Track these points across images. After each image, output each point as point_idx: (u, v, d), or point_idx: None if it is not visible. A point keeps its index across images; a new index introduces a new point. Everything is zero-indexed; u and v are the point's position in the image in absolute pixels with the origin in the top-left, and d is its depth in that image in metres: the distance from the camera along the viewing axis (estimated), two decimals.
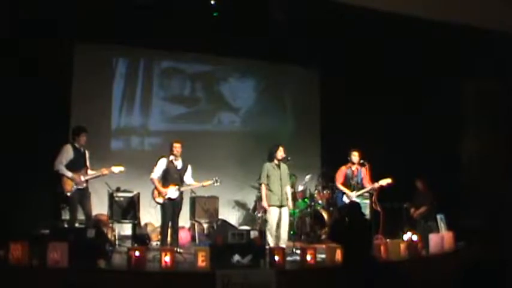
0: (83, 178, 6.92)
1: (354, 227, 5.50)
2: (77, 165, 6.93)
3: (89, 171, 7.06)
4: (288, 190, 7.49)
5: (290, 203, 7.50)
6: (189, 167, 7.36)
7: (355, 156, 7.80)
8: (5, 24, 7.50)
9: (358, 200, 7.71)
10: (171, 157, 7.24)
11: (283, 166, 7.45)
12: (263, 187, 7.36)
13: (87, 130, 7.16)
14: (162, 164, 7.20)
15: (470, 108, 9.70)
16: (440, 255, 7.11)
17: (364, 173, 7.81)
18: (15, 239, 5.68)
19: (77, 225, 6.90)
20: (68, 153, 6.93)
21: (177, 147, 7.24)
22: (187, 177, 7.35)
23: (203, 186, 7.46)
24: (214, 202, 9.02)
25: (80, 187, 6.89)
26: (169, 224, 7.17)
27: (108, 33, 8.72)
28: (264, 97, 10.84)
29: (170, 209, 7.13)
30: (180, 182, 7.22)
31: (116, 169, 7.13)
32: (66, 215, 7.32)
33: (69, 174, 6.84)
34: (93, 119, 8.86)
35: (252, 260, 6.10)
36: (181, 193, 7.27)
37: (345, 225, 5.69)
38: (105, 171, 7.09)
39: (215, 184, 7.46)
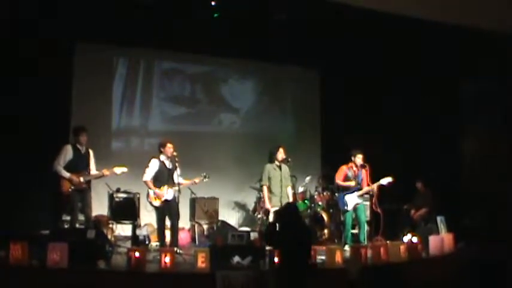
0: (82, 179, 6.87)
1: (286, 231, 5.22)
2: (76, 166, 6.89)
3: (92, 172, 7.00)
4: (289, 191, 7.50)
5: None
6: (177, 167, 7.32)
7: (359, 158, 7.75)
8: (5, 24, 7.50)
9: (360, 201, 7.70)
10: (162, 157, 7.21)
11: (284, 167, 7.45)
12: (264, 188, 7.33)
13: (87, 130, 7.11)
14: (154, 165, 7.16)
15: (470, 108, 9.71)
16: (440, 257, 7.10)
17: (364, 174, 7.79)
18: (15, 240, 5.66)
19: (77, 225, 6.88)
20: (67, 153, 6.89)
21: (171, 147, 7.18)
22: (176, 176, 7.29)
23: (194, 183, 7.44)
24: (214, 203, 9.01)
25: (79, 188, 6.85)
26: (168, 224, 7.17)
27: (108, 33, 8.72)
28: (263, 98, 10.83)
29: (166, 211, 7.12)
30: (171, 182, 7.18)
31: (118, 170, 7.04)
32: (65, 216, 7.31)
33: (67, 174, 6.80)
34: (94, 119, 8.86)
35: (252, 261, 6.08)
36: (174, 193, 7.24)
37: (276, 228, 5.40)
38: (106, 172, 7.02)
39: (204, 180, 7.43)
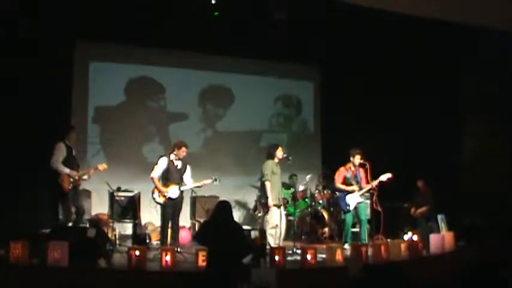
0: (77, 176, 6.97)
1: (217, 228, 5.13)
2: (69, 163, 6.99)
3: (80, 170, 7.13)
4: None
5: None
6: (188, 167, 7.34)
7: (358, 158, 7.68)
8: (5, 23, 7.51)
9: (361, 200, 7.67)
10: (172, 157, 7.22)
11: (279, 166, 7.45)
12: (268, 184, 7.14)
13: (75, 127, 7.30)
14: (163, 163, 7.18)
15: (471, 108, 9.71)
16: (441, 255, 7.10)
17: (362, 173, 7.77)
18: (15, 238, 5.67)
19: (70, 224, 6.87)
20: (62, 151, 6.97)
21: (185, 151, 7.22)
22: (187, 177, 7.32)
23: (203, 185, 7.40)
24: (214, 202, 8.89)
25: (75, 184, 6.94)
26: (170, 223, 7.16)
27: (108, 33, 8.72)
28: (264, 97, 10.82)
29: (170, 209, 7.12)
30: (180, 182, 7.21)
31: (101, 167, 7.24)
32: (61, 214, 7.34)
33: (67, 170, 6.88)
34: None
35: (252, 259, 6.08)
36: (181, 193, 7.26)
37: (211, 226, 5.33)
38: (92, 171, 7.18)
39: (214, 183, 7.41)
